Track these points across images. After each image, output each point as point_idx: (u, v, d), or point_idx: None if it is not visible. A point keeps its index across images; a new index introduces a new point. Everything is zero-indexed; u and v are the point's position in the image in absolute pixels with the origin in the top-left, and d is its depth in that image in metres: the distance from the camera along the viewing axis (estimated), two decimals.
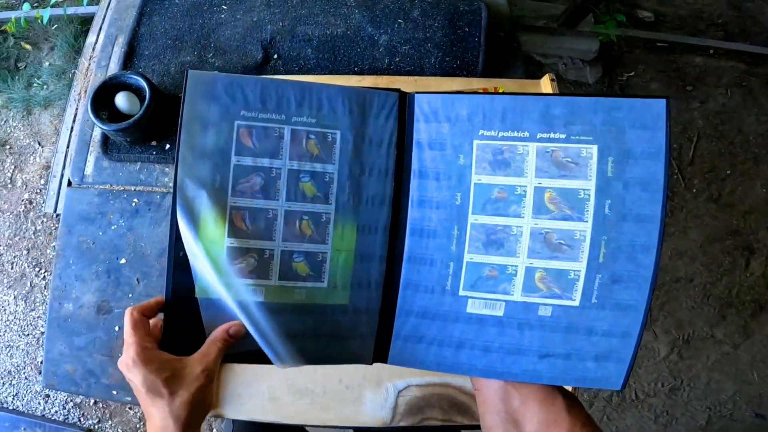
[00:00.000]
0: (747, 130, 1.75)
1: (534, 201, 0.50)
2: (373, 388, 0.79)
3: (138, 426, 1.72)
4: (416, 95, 0.53)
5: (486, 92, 0.80)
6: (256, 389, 0.80)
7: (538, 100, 0.50)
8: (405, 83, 0.84)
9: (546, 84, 0.80)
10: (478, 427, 0.58)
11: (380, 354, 0.54)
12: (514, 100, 0.51)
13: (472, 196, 0.51)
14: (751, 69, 1.80)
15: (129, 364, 0.49)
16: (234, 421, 0.96)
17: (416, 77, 0.85)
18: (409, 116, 0.53)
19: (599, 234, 0.49)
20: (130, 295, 0.88)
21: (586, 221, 0.49)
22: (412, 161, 0.53)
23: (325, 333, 0.54)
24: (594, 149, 0.49)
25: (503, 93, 0.79)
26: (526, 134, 0.50)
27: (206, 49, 0.98)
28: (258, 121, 0.51)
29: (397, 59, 0.93)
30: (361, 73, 0.92)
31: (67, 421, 1.73)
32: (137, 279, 0.88)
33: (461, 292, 0.52)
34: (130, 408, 1.66)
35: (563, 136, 0.50)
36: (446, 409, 0.78)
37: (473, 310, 0.52)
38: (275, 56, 0.98)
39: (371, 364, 0.54)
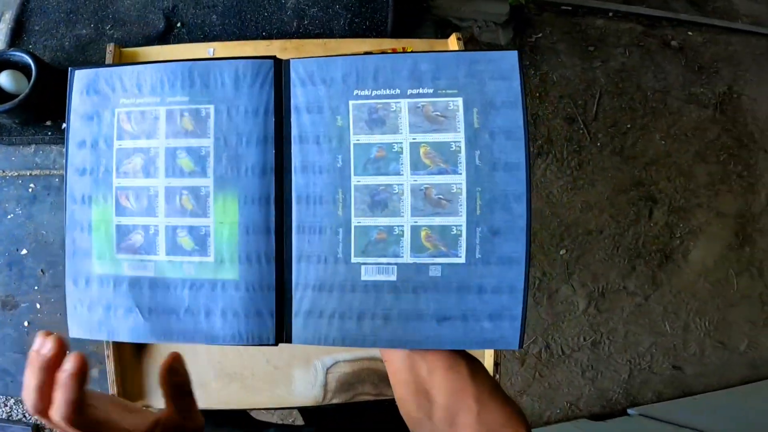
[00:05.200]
0: (645, 87, 1.88)
1: (411, 157, 0.51)
2: (302, 367, 0.79)
3: None
4: (291, 60, 0.53)
5: (395, 52, 0.79)
6: None
7: (407, 57, 0.51)
8: (314, 46, 0.82)
9: (453, 43, 0.80)
10: None
11: (284, 333, 0.54)
12: (384, 59, 0.52)
13: (352, 157, 0.52)
14: (647, 30, 1.92)
15: None
16: None
17: (325, 40, 0.83)
18: (286, 82, 0.53)
19: (474, 185, 0.50)
20: (36, 288, 0.83)
21: (461, 173, 0.50)
22: (291, 127, 0.53)
23: (219, 310, 0.54)
24: (459, 101, 0.51)
25: (411, 52, 0.79)
26: (397, 91, 0.51)
27: (104, 21, 0.92)
28: (135, 106, 0.55)
29: (306, 22, 0.91)
30: (269, 37, 0.90)
31: (11, 418, 1.67)
32: (42, 270, 0.83)
33: (353, 259, 0.52)
34: None
35: (431, 90, 0.51)
36: (377, 384, 0.79)
37: (368, 277, 0.51)
38: (178, 24, 0.93)
39: (276, 344, 0.54)
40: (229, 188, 0.53)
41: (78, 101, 0.56)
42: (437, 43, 0.83)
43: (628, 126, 1.84)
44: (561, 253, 1.78)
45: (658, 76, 1.88)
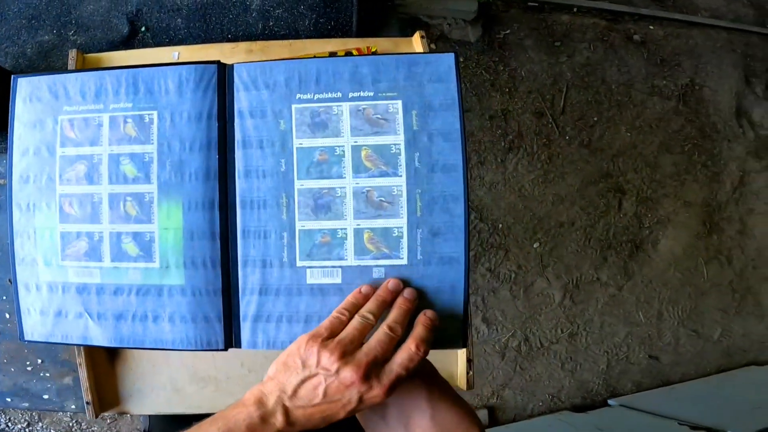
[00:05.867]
0: (609, 81, 1.92)
1: (353, 160, 0.51)
2: None
3: (71, 425, 1.65)
4: (235, 65, 0.53)
5: (360, 52, 0.80)
6: (157, 381, 0.78)
7: (348, 60, 0.52)
8: (280, 47, 0.83)
9: (417, 41, 0.82)
10: None
11: (233, 338, 0.54)
12: (326, 63, 0.52)
13: (295, 161, 0.52)
14: (611, 25, 1.96)
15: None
16: (150, 415, 0.92)
17: (291, 41, 0.84)
18: (229, 86, 0.53)
19: (413, 187, 0.51)
20: (4, 297, 0.82)
21: (401, 175, 0.51)
22: (235, 131, 0.53)
23: (167, 315, 0.54)
24: (399, 104, 0.51)
25: (375, 53, 0.80)
26: (339, 94, 0.52)
27: (67, 27, 0.92)
28: (79, 113, 0.54)
29: (271, 23, 0.91)
30: (235, 39, 0.90)
31: None
32: (9, 279, 0.82)
33: (299, 263, 0.52)
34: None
35: (371, 93, 0.51)
36: None
37: (313, 281, 0.52)
38: (143, 29, 0.93)
39: (225, 349, 0.54)
40: (173, 194, 0.53)
41: (21, 109, 0.56)
42: (402, 42, 0.85)
43: (595, 119, 1.87)
44: (535, 246, 1.79)
45: (621, 69, 1.92)
